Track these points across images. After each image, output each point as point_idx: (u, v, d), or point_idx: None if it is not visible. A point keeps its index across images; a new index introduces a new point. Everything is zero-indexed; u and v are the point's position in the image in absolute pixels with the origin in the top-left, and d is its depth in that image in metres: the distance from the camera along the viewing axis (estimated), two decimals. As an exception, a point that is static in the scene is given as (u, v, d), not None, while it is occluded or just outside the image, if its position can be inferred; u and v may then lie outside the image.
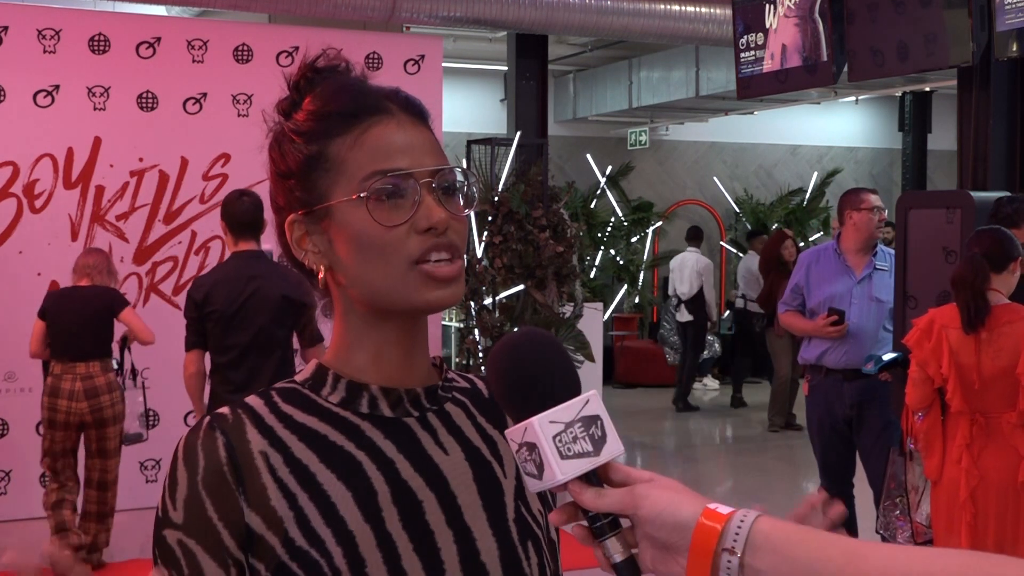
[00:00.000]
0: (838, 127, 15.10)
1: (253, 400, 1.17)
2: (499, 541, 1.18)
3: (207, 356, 4.73)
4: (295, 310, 4.65)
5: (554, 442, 0.99)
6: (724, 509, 0.95)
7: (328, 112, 1.17)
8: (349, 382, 1.18)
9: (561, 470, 0.99)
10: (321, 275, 1.18)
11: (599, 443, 1.00)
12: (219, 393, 4.72)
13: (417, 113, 1.19)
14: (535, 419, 0.99)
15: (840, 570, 0.91)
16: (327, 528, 1.10)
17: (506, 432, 1.03)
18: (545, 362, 1.04)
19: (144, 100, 7.00)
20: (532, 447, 1.00)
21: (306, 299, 4.48)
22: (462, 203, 1.17)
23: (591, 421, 1.01)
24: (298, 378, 1.20)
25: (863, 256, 5.35)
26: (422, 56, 7.64)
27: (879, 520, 4.85)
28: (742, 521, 0.94)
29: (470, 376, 1.31)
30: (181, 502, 1.11)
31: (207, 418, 1.14)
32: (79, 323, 5.64)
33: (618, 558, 0.99)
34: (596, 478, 1.01)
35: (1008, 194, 5.60)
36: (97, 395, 5.63)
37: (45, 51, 6.78)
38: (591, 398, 1.02)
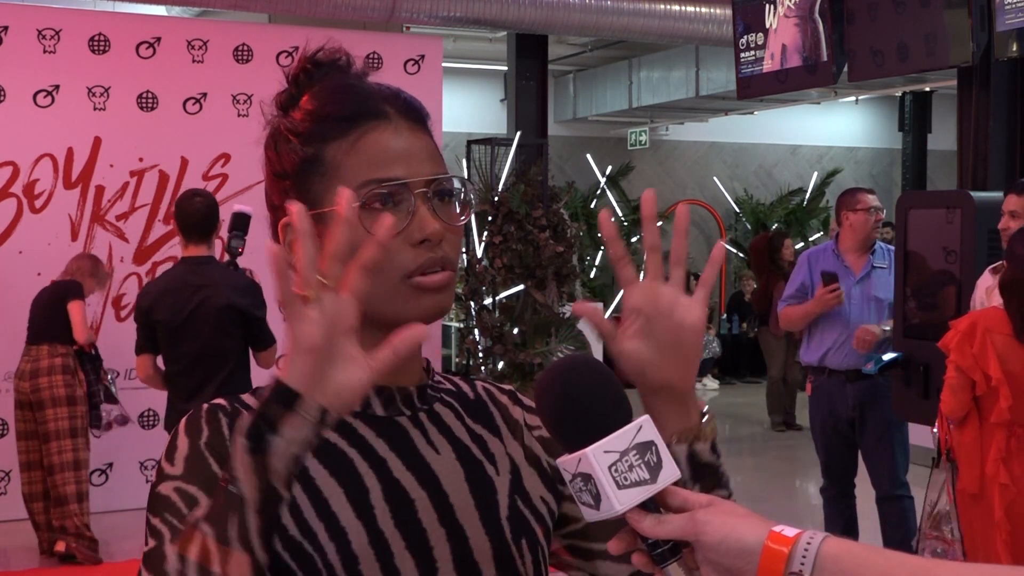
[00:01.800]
0: (838, 127, 15.10)
1: (247, 398, 1.16)
2: (492, 539, 1.16)
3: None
4: (242, 320, 4.58)
5: (610, 472, 0.97)
6: (790, 532, 0.94)
7: (325, 114, 1.15)
8: None
9: (619, 501, 0.97)
10: None
11: (655, 470, 0.98)
12: (173, 402, 4.68)
13: (416, 117, 1.17)
14: (589, 450, 0.97)
15: None
16: (320, 522, 1.09)
17: (558, 461, 1.02)
18: (594, 390, 1.02)
19: (144, 100, 7.00)
20: (587, 478, 0.98)
21: (253, 310, 4.57)
22: (458, 210, 1.16)
23: (646, 447, 0.99)
24: None
25: (861, 256, 5.34)
26: (422, 56, 7.64)
27: (920, 544, 4.59)
28: (808, 544, 0.93)
29: (454, 379, 1.29)
30: (181, 460, 1.08)
31: (206, 405, 1.13)
32: (37, 310, 5.98)
33: None
34: (653, 504, 0.99)
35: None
36: (37, 376, 5.81)
37: (45, 51, 6.78)
38: (644, 424, 1.00)
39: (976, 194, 5.34)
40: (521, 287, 8.06)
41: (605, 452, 0.97)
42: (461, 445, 1.20)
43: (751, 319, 10.79)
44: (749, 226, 14.16)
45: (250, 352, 4.70)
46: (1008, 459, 3.75)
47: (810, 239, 14.01)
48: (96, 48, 6.89)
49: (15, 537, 6.39)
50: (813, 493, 7.43)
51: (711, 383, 12.91)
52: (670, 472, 0.99)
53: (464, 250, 8.22)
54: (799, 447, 9.43)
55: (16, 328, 6.65)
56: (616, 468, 0.97)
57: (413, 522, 1.13)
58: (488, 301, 8.12)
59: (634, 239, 13.77)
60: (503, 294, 8.10)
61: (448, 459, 1.18)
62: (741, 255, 14.02)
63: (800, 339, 5.52)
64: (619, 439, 0.98)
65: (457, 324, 8.62)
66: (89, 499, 5.96)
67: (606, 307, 12.41)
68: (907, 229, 5.46)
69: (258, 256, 6.36)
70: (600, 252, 13.40)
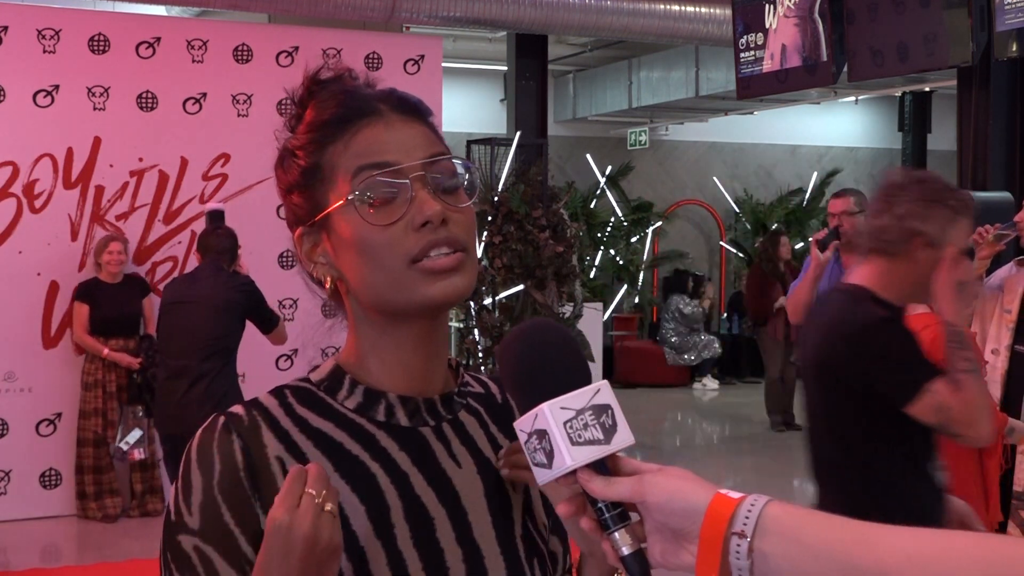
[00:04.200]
0: (838, 127, 15.10)
1: (267, 400, 1.15)
2: (507, 560, 1.16)
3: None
4: (243, 312, 5.26)
5: (565, 428, 0.97)
6: (735, 494, 0.95)
7: (321, 121, 1.15)
8: (366, 388, 1.16)
9: (572, 456, 0.97)
10: (328, 285, 1.16)
11: (610, 432, 0.99)
12: (159, 377, 5.45)
13: (411, 111, 1.16)
14: (546, 405, 0.98)
15: (849, 553, 0.90)
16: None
17: (515, 424, 1.02)
18: (555, 350, 1.03)
19: (144, 100, 7.00)
20: (542, 434, 0.98)
21: (255, 299, 5.29)
22: (465, 196, 1.14)
23: (602, 410, 0.99)
24: (313, 377, 1.18)
25: (851, 257, 5.36)
26: (422, 56, 7.64)
27: None
28: (752, 505, 0.93)
29: (484, 379, 1.28)
30: (197, 507, 1.08)
31: (221, 418, 1.12)
32: None
33: (626, 550, 0.98)
34: (606, 468, 0.99)
35: (1008, 193, 5.61)
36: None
37: (45, 51, 6.78)
38: (602, 387, 1.00)
39: (976, 194, 5.34)
40: (521, 287, 8.06)
41: (561, 408, 0.98)
42: (482, 457, 1.19)
43: (747, 321, 10.78)
44: (749, 226, 14.16)
45: (232, 360, 5.31)
46: None
47: (810, 239, 13.99)
48: (96, 48, 6.89)
49: (15, 537, 6.39)
50: (813, 493, 7.43)
51: (711, 383, 12.91)
52: (624, 436, 1.00)
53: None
54: (798, 447, 9.40)
55: (16, 328, 6.66)
56: (571, 425, 0.98)
57: (431, 542, 1.12)
58: (488, 301, 8.12)
59: (634, 239, 13.78)
60: (503, 294, 8.10)
61: (469, 473, 1.17)
62: (741, 255, 14.02)
63: (796, 340, 5.51)
64: (576, 398, 0.99)
65: (457, 324, 8.62)
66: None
67: (605, 307, 12.41)
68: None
69: (257, 252, 6.37)
70: (600, 252, 13.39)
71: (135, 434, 6.31)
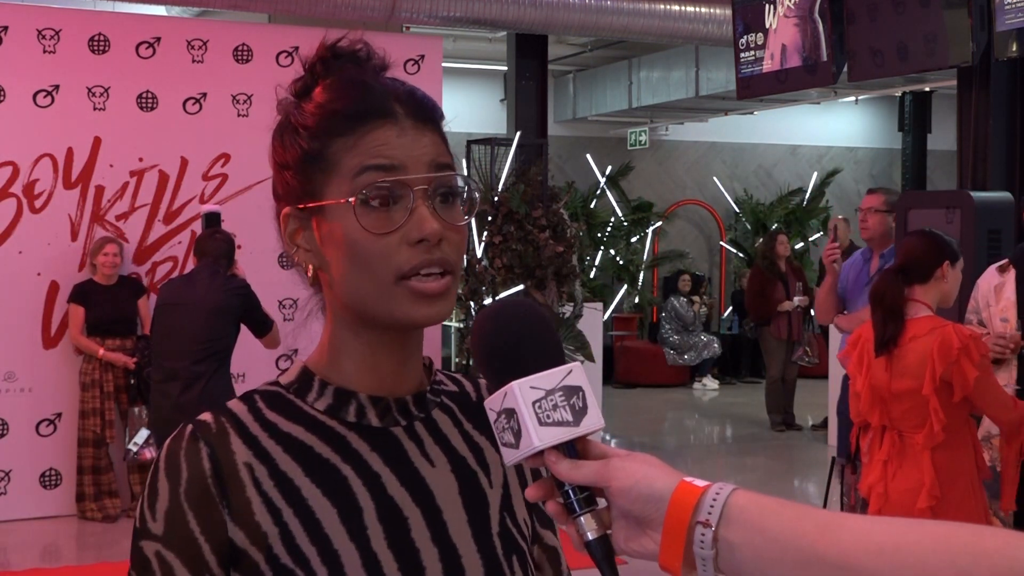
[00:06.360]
0: (838, 127, 15.10)
1: (236, 406, 1.14)
2: (484, 557, 1.15)
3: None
4: (237, 315, 5.29)
5: (533, 408, 0.97)
6: (700, 482, 0.94)
7: (334, 110, 1.12)
8: (336, 389, 1.15)
9: (539, 436, 0.96)
10: (310, 273, 1.15)
11: (579, 414, 0.98)
12: (153, 378, 5.48)
13: (426, 117, 1.13)
14: (515, 383, 0.97)
15: (813, 543, 0.89)
16: (312, 546, 1.08)
17: (485, 402, 1.01)
18: (528, 329, 1.01)
19: (144, 100, 7.00)
20: (511, 414, 0.97)
21: (249, 301, 5.32)
22: (462, 210, 1.13)
23: (573, 391, 0.98)
24: (282, 380, 1.17)
25: (877, 254, 5.40)
26: (422, 56, 7.64)
27: None
28: (717, 494, 0.92)
29: (458, 377, 1.27)
30: (162, 514, 1.09)
31: (189, 426, 1.11)
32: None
33: (591, 535, 0.97)
34: (575, 451, 0.98)
35: (1008, 193, 5.61)
36: None
37: (45, 51, 6.78)
38: (574, 369, 0.99)
39: (976, 194, 5.35)
40: (521, 287, 8.06)
41: (531, 388, 0.97)
42: (457, 456, 1.18)
43: (748, 321, 10.76)
44: (749, 226, 14.16)
45: (226, 363, 5.32)
46: (888, 463, 3.81)
47: (810, 239, 14.01)
48: (96, 48, 6.89)
49: (15, 537, 6.39)
50: (813, 493, 7.44)
51: (711, 383, 12.91)
52: (594, 420, 0.99)
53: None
54: (799, 447, 9.44)
55: (16, 329, 6.66)
56: (540, 405, 0.97)
57: (406, 542, 1.11)
58: (488, 301, 8.12)
59: (634, 239, 13.78)
60: (503, 294, 8.10)
61: (443, 472, 1.16)
62: (741, 255, 14.03)
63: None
64: (547, 378, 0.98)
65: (457, 324, 8.62)
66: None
67: (605, 307, 12.42)
68: (907, 229, 5.47)
69: (257, 252, 6.39)
70: (600, 252, 13.39)
71: (142, 434, 6.33)
